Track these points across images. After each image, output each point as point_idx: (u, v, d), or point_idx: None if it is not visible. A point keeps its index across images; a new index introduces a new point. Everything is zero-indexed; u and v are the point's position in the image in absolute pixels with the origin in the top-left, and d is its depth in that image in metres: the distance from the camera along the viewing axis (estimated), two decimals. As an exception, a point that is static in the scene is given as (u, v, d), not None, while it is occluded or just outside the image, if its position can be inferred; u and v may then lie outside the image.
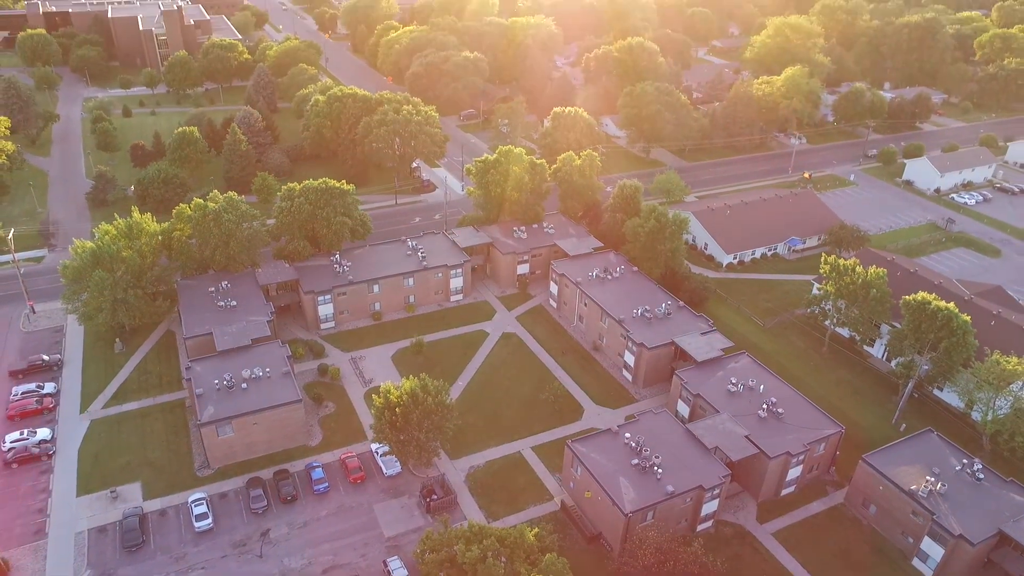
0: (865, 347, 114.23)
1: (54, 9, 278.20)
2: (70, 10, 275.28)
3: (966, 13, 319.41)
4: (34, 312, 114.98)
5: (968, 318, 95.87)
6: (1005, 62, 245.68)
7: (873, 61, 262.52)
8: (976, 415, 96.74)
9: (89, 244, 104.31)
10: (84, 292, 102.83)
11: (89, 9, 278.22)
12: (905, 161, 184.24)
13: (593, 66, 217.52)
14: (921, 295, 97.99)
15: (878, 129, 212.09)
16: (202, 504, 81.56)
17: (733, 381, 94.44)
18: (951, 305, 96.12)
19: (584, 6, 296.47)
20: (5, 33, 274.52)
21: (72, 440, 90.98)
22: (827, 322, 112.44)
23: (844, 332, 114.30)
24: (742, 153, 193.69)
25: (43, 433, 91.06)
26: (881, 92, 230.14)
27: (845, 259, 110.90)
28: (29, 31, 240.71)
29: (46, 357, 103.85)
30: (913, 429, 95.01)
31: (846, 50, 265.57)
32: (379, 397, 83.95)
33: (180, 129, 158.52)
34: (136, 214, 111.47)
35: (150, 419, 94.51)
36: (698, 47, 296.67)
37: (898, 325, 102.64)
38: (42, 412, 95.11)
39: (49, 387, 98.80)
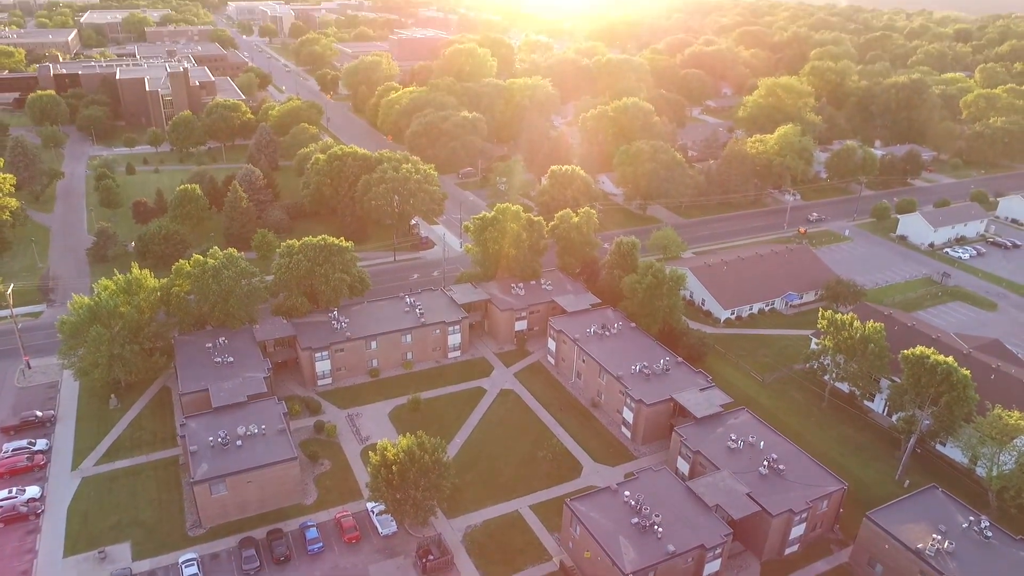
0: (865, 402, 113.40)
1: (65, 71, 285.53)
2: (80, 72, 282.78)
3: (950, 75, 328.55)
4: (29, 367, 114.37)
5: (968, 372, 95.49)
6: (991, 121, 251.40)
7: (863, 120, 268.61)
8: (981, 471, 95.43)
9: (87, 299, 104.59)
10: (81, 347, 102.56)
11: (98, 71, 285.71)
12: (898, 216, 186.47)
13: (589, 125, 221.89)
14: (919, 349, 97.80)
15: (870, 185, 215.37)
16: (193, 565, 79.54)
17: (733, 437, 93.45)
18: (950, 359, 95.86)
19: (580, 68, 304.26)
20: (16, 94, 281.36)
21: (62, 498, 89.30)
22: (826, 377, 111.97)
23: (844, 387, 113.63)
24: (738, 209, 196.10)
25: (32, 491, 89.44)
26: (872, 149, 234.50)
27: (842, 314, 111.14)
28: (39, 92, 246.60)
29: (39, 413, 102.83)
30: (917, 485, 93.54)
31: (836, 109, 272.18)
32: (375, 455, 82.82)
33: (182, 186, 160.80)
34: (135, 270, 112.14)
35: (142, 477, 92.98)
36: (692, 107, 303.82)
37: (898, 379, 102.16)
38: (32, 469, 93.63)
39: (41, 444, 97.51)
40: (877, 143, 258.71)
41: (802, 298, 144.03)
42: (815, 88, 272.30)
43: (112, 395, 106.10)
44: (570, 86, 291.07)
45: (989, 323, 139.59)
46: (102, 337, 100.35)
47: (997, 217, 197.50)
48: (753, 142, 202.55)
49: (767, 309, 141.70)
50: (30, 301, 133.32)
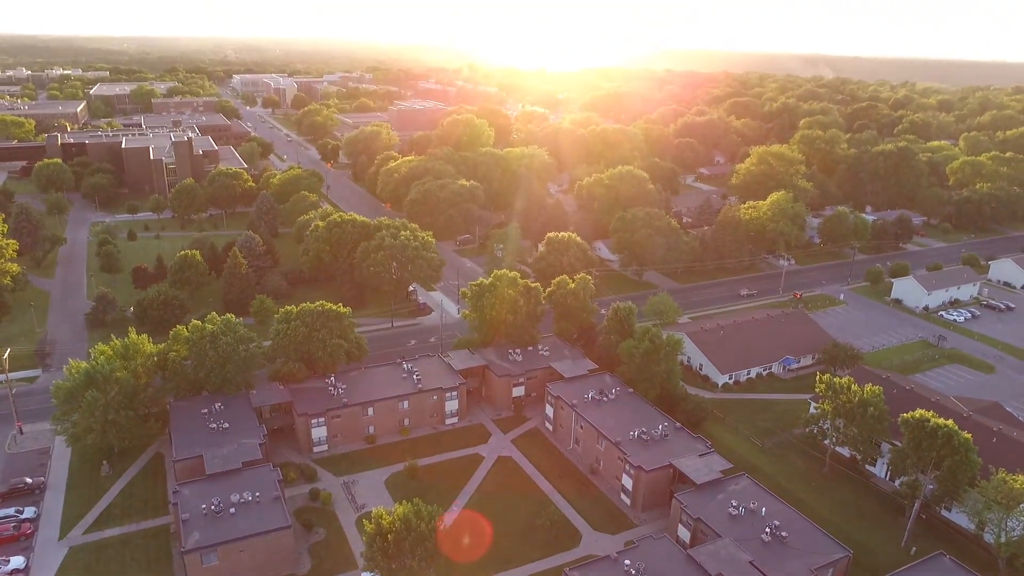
0: (867, 467, 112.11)
1: (72, 141, 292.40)
2: (87, 141, 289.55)
3: (935, 143, 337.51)
4: (22, 433, 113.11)
5: (969, 435, 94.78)
6: (977, 187, 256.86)
7: (853, 186, 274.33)
8: (989, 537, 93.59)
9: (84, 364, 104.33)
10: (75, 413, 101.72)
11: (105, 140, 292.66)
12: (892, 280, 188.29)
13: (585, 193, 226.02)
14: (919, 412, 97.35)
15: (863, 250, 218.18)
16: (180, 641, 76.97)
17: (734, 504, 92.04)
18: (950, 422, 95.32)
19: (575, 137, 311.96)
20: (24, 162, 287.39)
21: (47, 569, 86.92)
22: (826, 441, 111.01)
23: (845, 451, 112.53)
24: (733, 275, 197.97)
25: (16, 562, 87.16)
26: (863, 215, 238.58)
27: (840, 377, 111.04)
28: (46, 160, 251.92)
29: (29, 480, 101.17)
30: (924, 552, 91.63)
31: (827, 176, 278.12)
32: (371, 523, 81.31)
33: (182, 252, 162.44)
34: (133, 334, 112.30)
35: (132, 546, 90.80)
36: (686, 175, 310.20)
37: (898, 443, 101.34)
38: (19, 538, 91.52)
39: (29, 511, 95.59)
40: (868, 208, 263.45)
41: (799, 362, 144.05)
42: (805, 156, 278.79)
43: (104, 461, 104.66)
44: (566, 155, 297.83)
45: (988, 386, 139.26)
46: (97, 402, 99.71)
47: (989, 280, 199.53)
48: (746, 208, 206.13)
49: (765, 373, 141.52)
50: (26, 366, 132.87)
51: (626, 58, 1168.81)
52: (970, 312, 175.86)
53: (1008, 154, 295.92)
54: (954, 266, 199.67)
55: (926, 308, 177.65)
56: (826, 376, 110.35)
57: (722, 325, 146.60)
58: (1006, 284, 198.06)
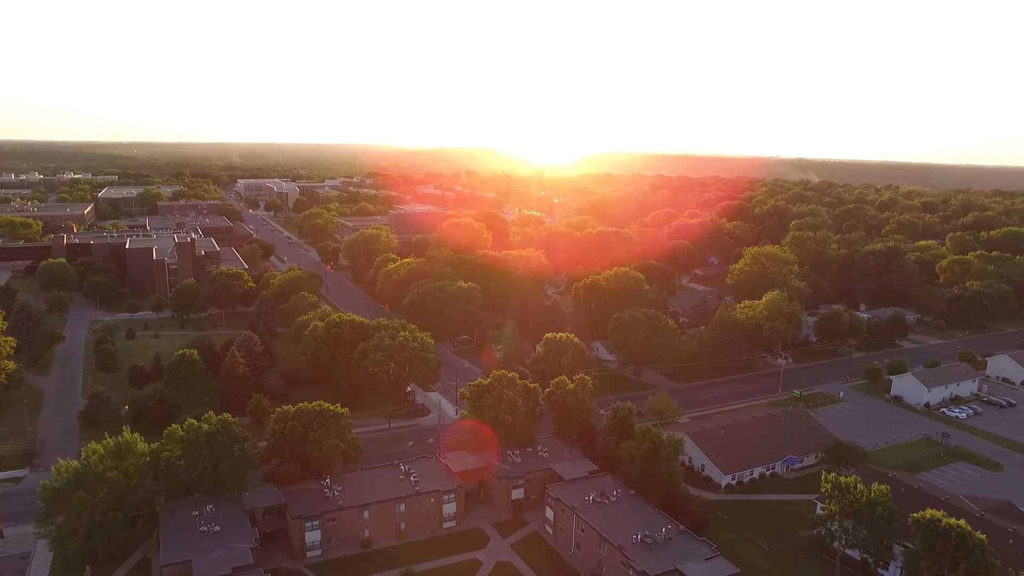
0: (880, 570, 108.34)
1: (77, 241, 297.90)
2: (91, 241, 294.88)
3: (923, 242, 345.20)
4: (2, 537, 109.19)
5: (983, 536, 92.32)
6: (968, 284, 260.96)
7: (846, 285, 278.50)
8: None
9: (73, 463, 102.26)
10: (61, 515, 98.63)
11: (109, 241, 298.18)
12: (891, 377, 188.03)
13: (582, 294, 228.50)
14: (930, 512, 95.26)
15: (860, 347, 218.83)
16: None
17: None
18: (962, 522, 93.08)
19: (572, 240, 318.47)
20: (29, 262, 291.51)
21: None
22: (836, 544, 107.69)
23: (855, 553, 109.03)
24: (731, 374, 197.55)
25: None
26: (858, 313, 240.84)
27: (845, 477, 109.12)
28: (50, 260, 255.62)
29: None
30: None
31: (819, 275, 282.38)
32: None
33: (180, 351, 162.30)
34: (127, 433, 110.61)
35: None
36: (681, 276, 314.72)
37: (910, 545, 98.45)
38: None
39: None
40: (862, 306, 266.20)
41: (803, 461, 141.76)
42: (797, 256, 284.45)
43: (87, 567, 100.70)
44: (562, 257, 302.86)
45: (997, 484, 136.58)
46: (84, 504, 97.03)
47: (988, 376, 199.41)
48: (742, 308, 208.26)
49: (768, 473, 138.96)
50: (13, 465, 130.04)
51: (619, 164, 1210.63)
52: (971, 409, 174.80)
53: (994, 253, 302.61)
54: (951, 363, 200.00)
55: (927, 405, 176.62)
56: (832, 475, 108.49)
57: (723, 425, 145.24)
58: (1005, 380, 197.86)
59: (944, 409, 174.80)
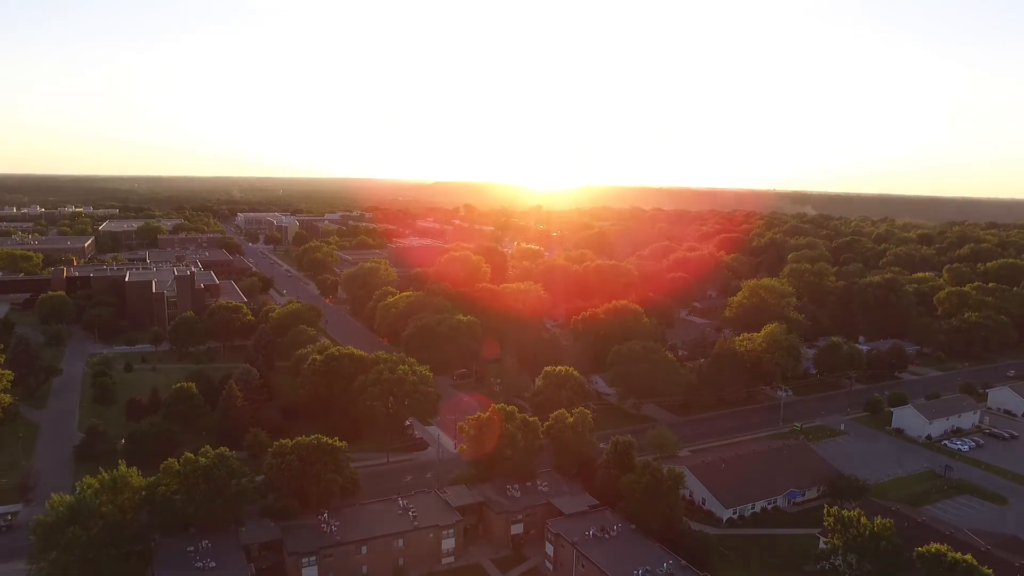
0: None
1: (77, 274, 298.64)
2: (91, 274, 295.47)
3: (920, 274, 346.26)
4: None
5: (990, 571, 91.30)
6: (966, 316, 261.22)
7: (844, 317, 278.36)
8: None
9: (68, 498, 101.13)
10: (53, 551, 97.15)
11: (109, 274, 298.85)
12: (892, 409, 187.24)
13: (581, 327, 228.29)
14: (935, 547, 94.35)
15: (860, 379, 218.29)
16: None
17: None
18: (968, 557, 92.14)
19: (570, 273, 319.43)
20: (28, 295, 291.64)
21: None
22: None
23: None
24: (731, 406, 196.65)
25: None
26: (857, 345, 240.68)
27: (848, 510, 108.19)
28: (50, 293, 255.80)
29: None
30: None
31: (818, 307, 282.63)
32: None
33: (178, 385, 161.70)
34: (122, 467, 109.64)
35: None
36: (680, 309, 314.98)
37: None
38: None
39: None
40: (861, 338, 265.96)
41: (804, 495, 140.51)
42: (795, 288, 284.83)
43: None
44: (561, 290, 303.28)
45: (1002, 518, 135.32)
46: (78, 540, 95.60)
47: (989, 408, 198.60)
48: (741, 340, 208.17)
49: (770, 507, 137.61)
50: (5, 500, 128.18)
51: (618, 196, 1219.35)
52: (974, 441, 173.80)
53: (991, 284, 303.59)
54: (952, 394, 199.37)
55: (928, 437, 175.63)
56: (834, 509, 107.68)
57: (724, 458, 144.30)
58: (1007, 412, 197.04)
59: (946, 441, 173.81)
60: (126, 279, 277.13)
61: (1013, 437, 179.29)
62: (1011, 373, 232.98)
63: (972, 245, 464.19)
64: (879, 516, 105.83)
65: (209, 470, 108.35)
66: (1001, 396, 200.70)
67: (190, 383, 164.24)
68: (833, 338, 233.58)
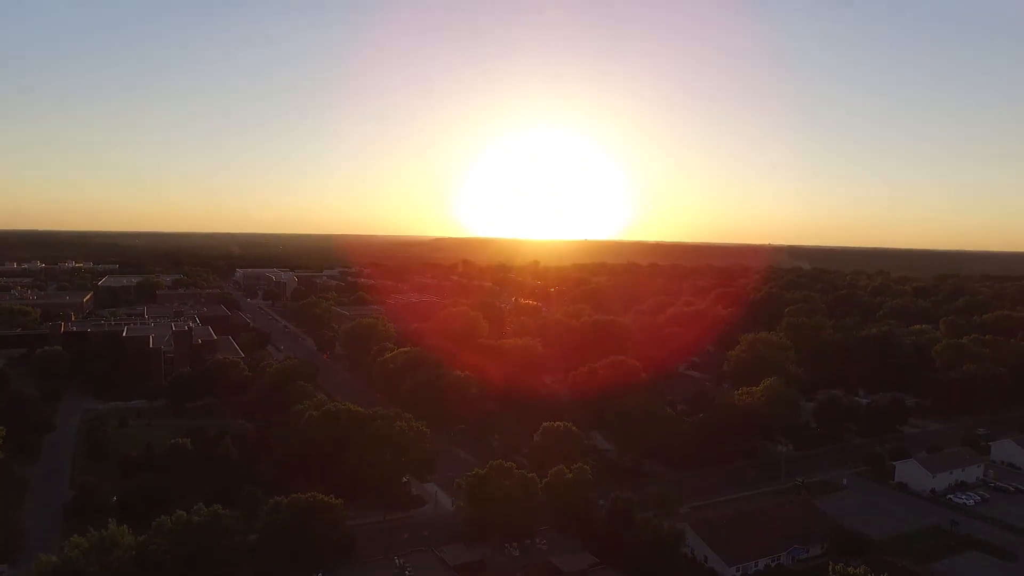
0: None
1: (75, 329, 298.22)
2: (88, 330, 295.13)
3: (917, 326, 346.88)
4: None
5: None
6: (964, 368, 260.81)
7: (843, 370, 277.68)
8: None
9: (53, 559, 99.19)
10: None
11: (107, 329, 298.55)
12: (894, 463, 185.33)
13: (579, 382, 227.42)
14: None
15: (860, 433, 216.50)
16: None
17: None
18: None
19: (568, 328, 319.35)
20: (24, 350, 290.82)
21: None
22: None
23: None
24: (732, 462, 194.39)
25: None
26: (857, 398, 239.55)
27: (854, 568, 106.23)
28: (46, 348, 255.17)
29: None
30: None
31: (816, 361, 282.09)
32: None
33: (173, 441, 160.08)
34: (113, 526, 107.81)
35: None
36: (678, 363, 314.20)
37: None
38: None
39: None
40: (860, 391, 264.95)
41: (808, 552, 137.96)
42: (793, 342, 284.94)
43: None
44: (558, 346, 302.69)
45: (1012, 574, 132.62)
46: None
47: (993, 461, 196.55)
48: (740, 394, 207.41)
49: (773, 564, 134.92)
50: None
51: (615, 252, 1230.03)
52: (979, 496, 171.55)
53: (988, 336, 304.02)
54: (954, 448, 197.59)
55: (933, 491, 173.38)
56: (839, 567, 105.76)
57: (725, 514, 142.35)
58: (1011, 465, 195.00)
59: (951, 495, 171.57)
60: (123, 334, 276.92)
61: (1019, 491, 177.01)
62: (981, 431, 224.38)
63: (967, 298, 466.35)
64: (886, 574, 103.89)
65: (201, 528, 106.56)
66: (1004, 449, 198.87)
67: (184, 439, 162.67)
68: (832, 391, 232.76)
